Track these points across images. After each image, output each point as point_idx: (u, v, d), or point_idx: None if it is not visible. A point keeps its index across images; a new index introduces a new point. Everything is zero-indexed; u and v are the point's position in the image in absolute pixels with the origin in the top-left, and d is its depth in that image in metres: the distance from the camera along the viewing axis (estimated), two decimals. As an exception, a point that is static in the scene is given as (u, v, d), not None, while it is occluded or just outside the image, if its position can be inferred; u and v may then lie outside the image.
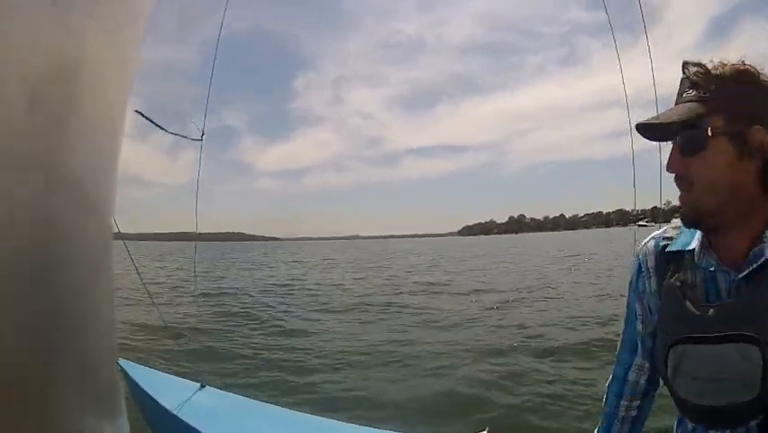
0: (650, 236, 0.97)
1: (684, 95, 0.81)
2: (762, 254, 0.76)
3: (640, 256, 0.97)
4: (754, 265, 0.77)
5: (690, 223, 0.84)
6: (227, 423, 2.21)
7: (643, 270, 0.96)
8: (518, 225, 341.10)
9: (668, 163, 0.83)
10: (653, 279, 0.94)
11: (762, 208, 0.79)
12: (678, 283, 0.85)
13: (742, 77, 0.77)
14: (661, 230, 0.95)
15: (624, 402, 1.07)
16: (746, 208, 0.79)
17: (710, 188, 0.78)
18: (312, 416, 2.41)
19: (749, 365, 0.75)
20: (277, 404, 2.56)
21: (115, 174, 0.86)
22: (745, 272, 0.78)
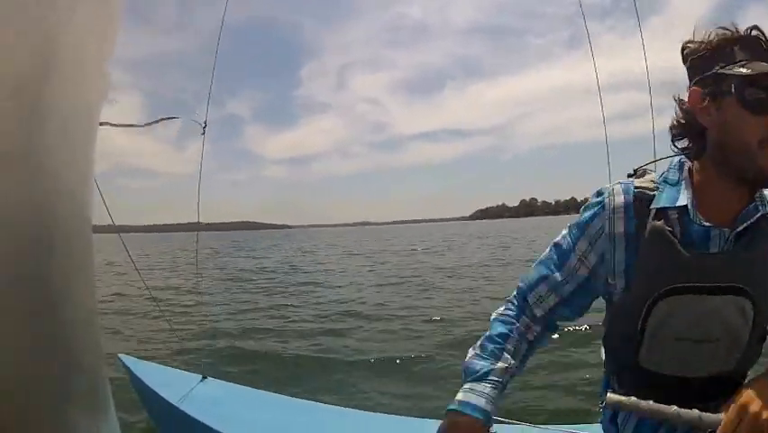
0: (615, 182, 0.88)
1: None
2: (755, 212, 0.77)
3: (605, 195, 0.86)
4: (748, 222, 0.77)
5: None
6: (230, 413, 2.20)
7: (607, 209, 0.84)
8: (530, 208, 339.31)
9: None
10: (623, 221, 0.84)
11: None
12: (669, 229, 0.79)
13: None
14: (627, 179, 0.89)
15: (524, 320, 0.95)
16: None
17: None
18: (315, 403, 2.40)
19: (743, 321, 0.77)
20: (279, 393, 2.55)
21: (91, 166, 0.84)
22: (738, 228, 0.77)
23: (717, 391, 0.80)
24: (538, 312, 0.93)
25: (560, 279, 0.90)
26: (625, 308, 0.85)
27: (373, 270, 15.34)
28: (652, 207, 0.81)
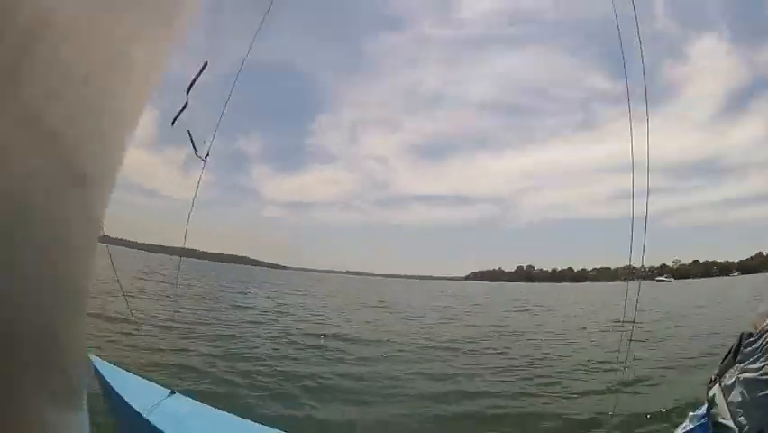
0: None
1: None
2: None
3: None
4: None
5: None
6: (193, 429, 2.20)
7: None
8: (526, 274, 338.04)
9: None
10: None
11: None
12: None
13: None
14: None
15: None
16: None
17: None
18: (275, 430, 2.38)
19: None
20: (241, 416, 2.54)
21: (114, 177, 0.87)
22: None
23: None
24: None
25: None
26: None
27: (443, 336, 12.27)
28: None
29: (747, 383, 0.65)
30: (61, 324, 0.82)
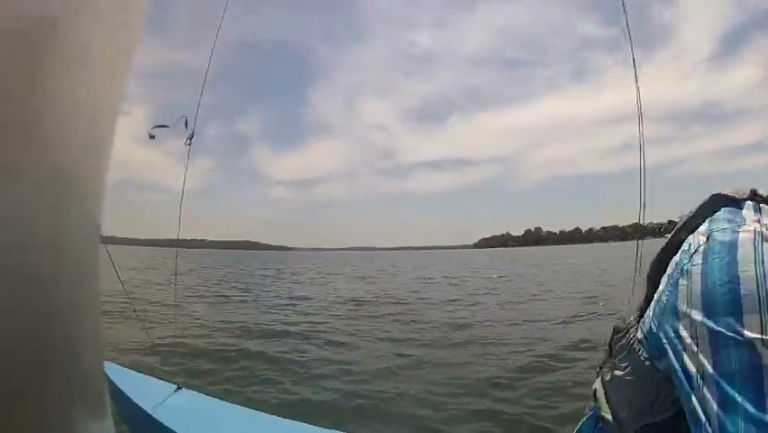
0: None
1: None
2: None
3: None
4: None
5: None
6: (201, 424, 2.23)
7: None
8: (535, 238, 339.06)
9: None
10: None
11: None
12: None
13: None
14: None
15: None
16: None
17: None
18: (285, 420, 2.37)
19: None
20: (250, 407, 2.53)
21: (104, 175, 0.81)
22: None
23: None
24: None
25: None
26: None
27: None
28: None
29: (620, 381, 0.63)
30: (76, 326, 0.76)
